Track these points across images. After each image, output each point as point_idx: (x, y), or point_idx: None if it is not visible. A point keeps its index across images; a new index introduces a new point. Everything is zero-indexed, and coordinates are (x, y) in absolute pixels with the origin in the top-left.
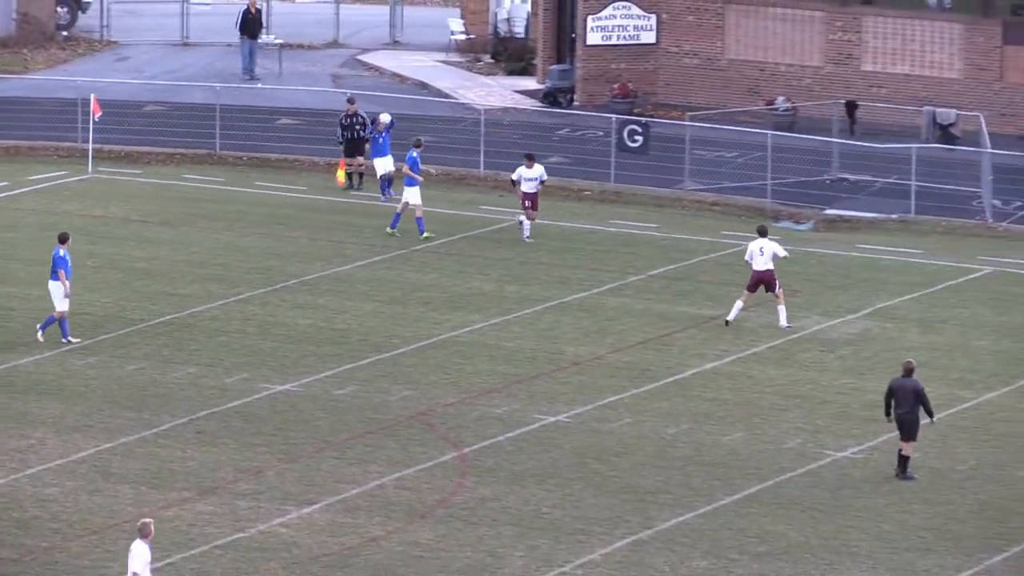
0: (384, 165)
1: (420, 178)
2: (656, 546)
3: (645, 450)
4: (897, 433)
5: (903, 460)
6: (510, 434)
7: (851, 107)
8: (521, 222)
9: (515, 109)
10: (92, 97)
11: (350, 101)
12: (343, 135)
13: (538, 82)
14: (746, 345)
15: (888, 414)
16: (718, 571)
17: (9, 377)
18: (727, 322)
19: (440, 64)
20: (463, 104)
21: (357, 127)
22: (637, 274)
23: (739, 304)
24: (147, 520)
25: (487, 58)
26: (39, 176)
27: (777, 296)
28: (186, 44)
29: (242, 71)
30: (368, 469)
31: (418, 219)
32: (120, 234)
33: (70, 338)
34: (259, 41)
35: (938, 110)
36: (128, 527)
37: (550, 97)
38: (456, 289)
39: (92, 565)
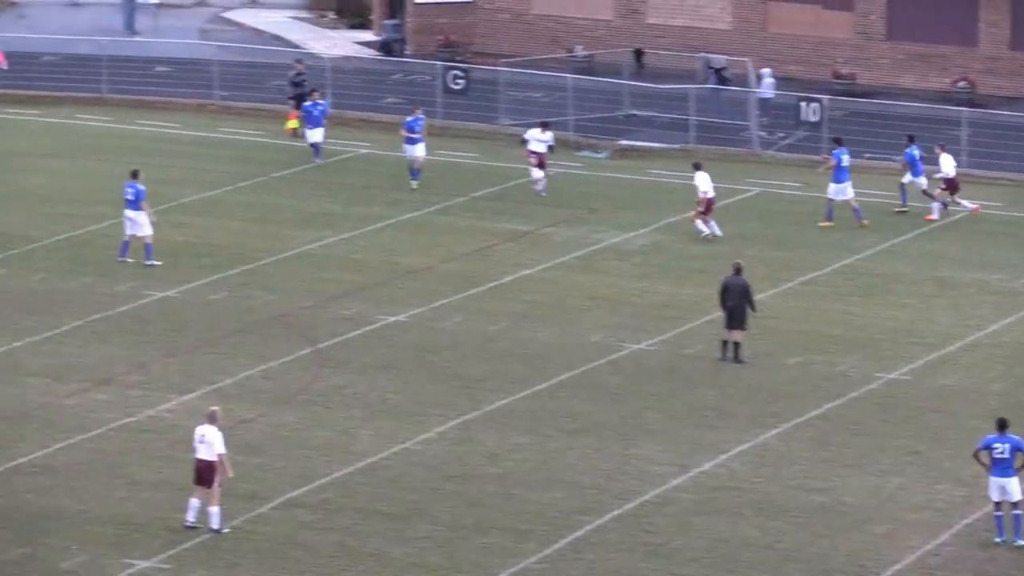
0: (315, 135)
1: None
2: (483, 425)
3: (472, 344)
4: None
5: (735, 346)
6: (358, 332)
7: (638, 54)
8: (536, 180)
9: (355, 58)
10: None
11: (298, 61)
12: (293, 91)
13: (375, 34)
14: (554, 256)
15: (722, 305)
16: (536, 445)
17: None
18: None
19: (292, 20)
20: (310, 53)
21: (305, 83)
22: (461, 196)
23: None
24: (215, 408)
25: (332, 14)
26: None
27: None
28: (75, 4)
29: (124, 27)
30: (238, 362)
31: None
32: (23, 166)
33: (153, 261)
34: (138, 1)
35: (711, 56)
36: (36, 414)
37: (386, 47)
38: (309, 210)
39: (5, 445)
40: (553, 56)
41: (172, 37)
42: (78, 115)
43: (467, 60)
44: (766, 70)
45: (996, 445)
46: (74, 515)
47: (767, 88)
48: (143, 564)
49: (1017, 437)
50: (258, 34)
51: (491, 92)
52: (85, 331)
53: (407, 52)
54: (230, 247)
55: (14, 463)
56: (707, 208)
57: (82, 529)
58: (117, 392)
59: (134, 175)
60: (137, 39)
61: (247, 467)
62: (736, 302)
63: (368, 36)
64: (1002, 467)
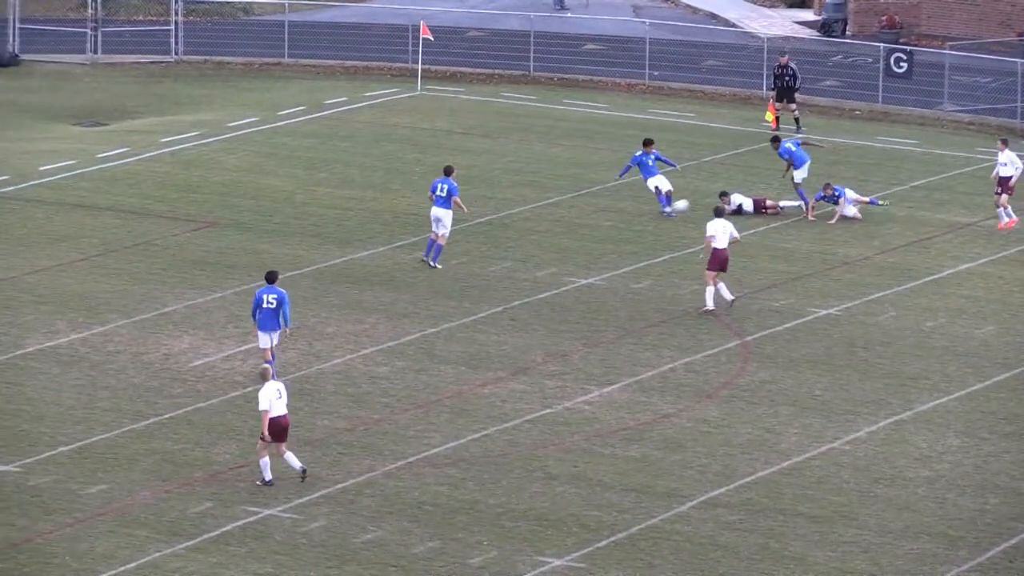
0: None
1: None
2: (915, 425)
3: (906, 340)
4: None
5: None
6: (787, 325)
7: None
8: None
9: (794, 38)
10: (421, 23)
11: (781, 54)
12: (775, 83)
13: (815, 14)
14: (997, 248)
15: None
16: (969, 448)
17: (347, 269)
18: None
19: None
20: (748, 32)
21: (787, 77)
22: (900, 185)
23: (710, 289)
24: (266, 366)
25: None
26: (374, 93)
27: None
28: None
29: (553, 2)
30: (661, 354)
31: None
32: (444, 144)
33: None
34: None
35: None
36: (449, 403)
37: (826, 27)
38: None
39: (416, 435)
40: (1003, 40)
41: (603, 14)
42: (503, 93)
43: (912, 42)
44: None
45: None
46: (486, 509)
47: None
48: (556, 562)
49: None
50: (694, 12)
51: (935, 76)
52: (503, 318)
53: (848, 33)
54: (655, 233)
55: (426, 453)
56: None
57: (494, 524)
58: (534, 382)
59: (447, 171)
60: (567, 15)
61: (666, 464)
62: None
63: (808, 16)
64: None
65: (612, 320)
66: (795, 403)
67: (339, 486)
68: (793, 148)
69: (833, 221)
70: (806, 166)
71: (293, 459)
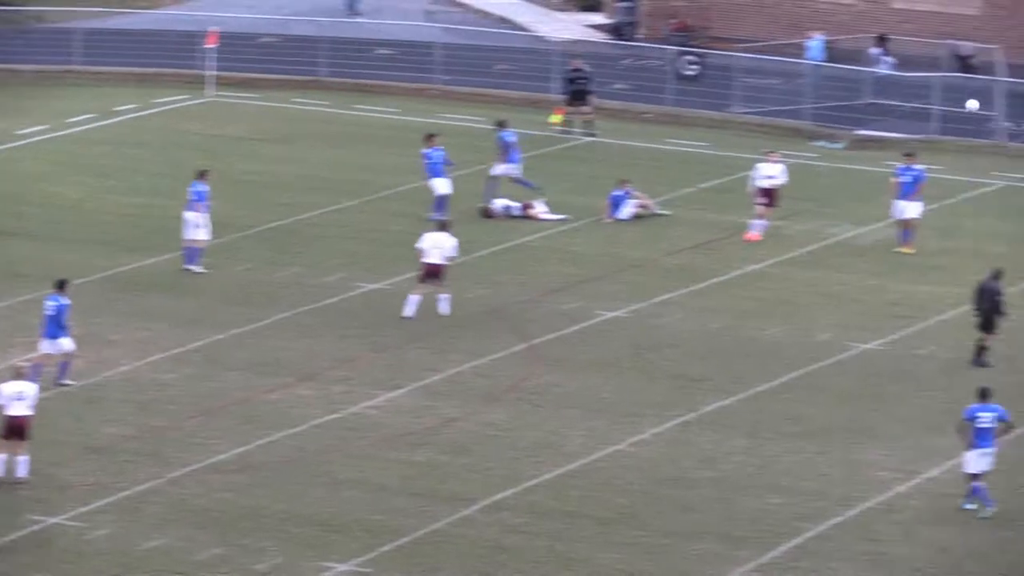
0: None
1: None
2: (701, 427)
3: (692, 342)
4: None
5: (981, 349)
6: (574, 328)
7: (882, 40)
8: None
9: (585, 41)
10: (209, 32)
11: (573, 57)
12: (568, 86)
13: (607, 17)
14: (784, 250)
15: (976, 309)
16: (754, 449)
17: (135, 276)
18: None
19: (521, 1)
20: (538, 37)
21: (580, 80)
22: (689, 187)
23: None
24: (22, 365)
25: None
26: (164, 100)
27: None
28: None
29: (345, 6)
30: (448, 358)
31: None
32: (236, 151)
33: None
34: None
35: (959, 43)
36: (236, 409)
37: (617, 31)
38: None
39: (202, 442)
40: (793, 42)
41: (396, 19)
42: (294, 99)
43: (703, 45)
44: (875, 49)
45: (981, 415)
46: (271, 515)
47: (886, 66)
48: (341, 567)
49: (1000, 406)
50: (484, 16)
51: (726, 79)
52: (291, 324)
53: (640, 36)
54: None
55: (212, 460)
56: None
57: (279, 529)
58: (321, 388)
59: (201, 176)
60: (359, 20)
61: (452, 468)
62: (989, 306)
63: (600, 19)
64: (985, 437)
65: (399, 325)
66: (581, 406)
67: (124, 494)
68: (511, 140)
69: (607, 219)
70: (518, 166)
71: (24, 467)
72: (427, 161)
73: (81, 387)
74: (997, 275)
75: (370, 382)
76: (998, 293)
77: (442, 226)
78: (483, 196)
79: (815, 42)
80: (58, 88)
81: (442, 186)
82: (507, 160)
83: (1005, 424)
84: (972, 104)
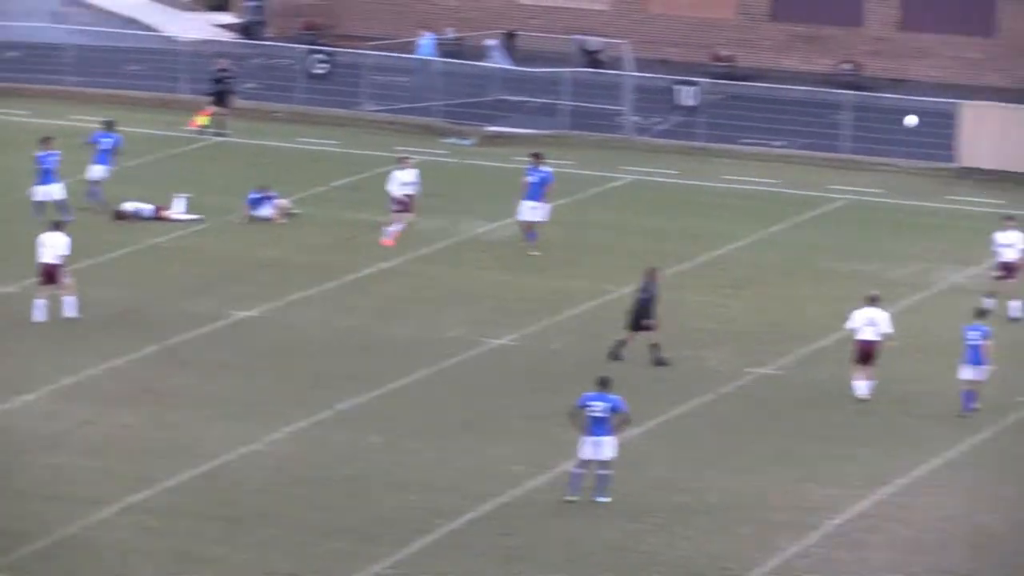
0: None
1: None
2: (335, 424)
3: (326, 340)
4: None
5: (620, 344)
6: (207, 328)
7: (510, 36)
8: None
9: (215, 41)
10: None
11: (219, 57)
12: (214, 86)
13: (236, 16)
14: (415, 248)
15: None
16: (391, 445)
17: None
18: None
19: (148, 1)
20: (167, 36)
21: (227, 80)
22: (320, 186)
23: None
24: None
25: None
26: None
27: None
28: None
29: None
30: (80, 360)
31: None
32: None
33: None
34: None
35: (586, 38)
36: None
37: (247, 30)
38: (161, 201)
39: None
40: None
41: (23, 21)
42: None
43: (331, 43)
44: (492, 41)
45: (593, 403)
46: None
47: (499, 60)
48: None
49: (617, 397)
50: (111, 16)
51: (355, 76)
52: None
53: (268, 35)
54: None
55: None
56: None
57: None
58: None
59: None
60: None
61: (87, 470)
62: (636, 306)
63: (229, 18)
64: (598, 425)
65: (29, 328)
66: (215, 406)
67: None
68: (105, 142)
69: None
70: (105, 168)
71: None
72: (40, 166)
73: None
74: (651, 274)
75: (1, 386)
76: (647, 292)
77: (57, 226)
78: (87, 199)
79: (426, 40)
80: None
81: (56, 191)
82: (99, 162)
83: (622, 415)
84: (911, 120)
